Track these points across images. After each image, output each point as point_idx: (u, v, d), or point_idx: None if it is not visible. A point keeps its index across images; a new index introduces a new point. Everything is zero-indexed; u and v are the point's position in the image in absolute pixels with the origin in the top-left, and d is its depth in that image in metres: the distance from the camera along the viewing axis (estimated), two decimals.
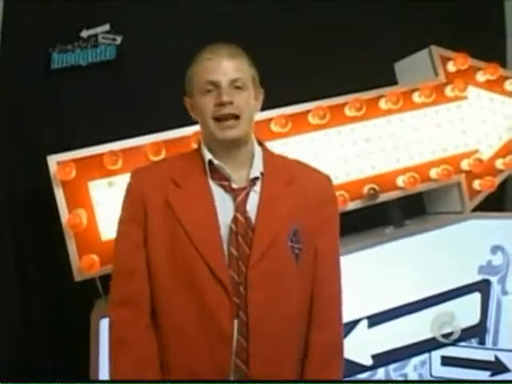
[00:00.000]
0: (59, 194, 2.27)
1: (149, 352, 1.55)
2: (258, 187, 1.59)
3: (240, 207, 1.55)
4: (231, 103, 1.52)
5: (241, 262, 1.52)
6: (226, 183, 1.58)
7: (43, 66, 2.68)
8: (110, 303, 1.61)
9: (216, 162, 1.58)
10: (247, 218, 1.55)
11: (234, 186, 1.58)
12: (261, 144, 1.68)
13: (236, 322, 1.51)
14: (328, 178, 1.71)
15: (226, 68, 1.54)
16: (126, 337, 1.54)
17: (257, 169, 1.60)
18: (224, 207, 1.56)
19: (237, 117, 1.54)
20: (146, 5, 2.77)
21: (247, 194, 1.57)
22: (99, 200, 2.30)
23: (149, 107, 2.75)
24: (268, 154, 1.67)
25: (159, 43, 2.77)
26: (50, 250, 2.52)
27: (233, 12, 2.82)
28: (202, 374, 1.51)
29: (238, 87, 1.55)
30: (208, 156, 1.59)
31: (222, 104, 1.52)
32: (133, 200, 1.61)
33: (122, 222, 1.62)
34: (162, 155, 2.32)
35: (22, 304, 2.67)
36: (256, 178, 1.59)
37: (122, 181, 2.31)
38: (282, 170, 1.65)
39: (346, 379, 2.35)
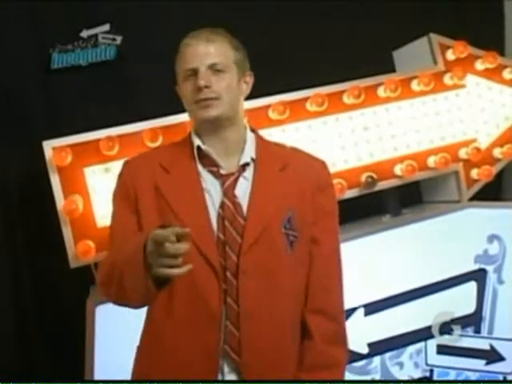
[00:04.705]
0: (55, 180, 2.25)
1: None
2: (248, 173, 1.59)
3: (228, 192, 1.55)
4: (208, 87, 1.53)
5: (227, 247, 1.52)
6: (215, 169, 1.58)
7: (43, 66, 2.66)
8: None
9: (203, 147, 1.59)
10: (235, 204, 1.54)
11: (223, 171, 1.57)
12: (253, 131, 1.68)
13: (224, 307, 1.51)
14: (323, 164, 1.70)
15: (204, 53, 1.55)
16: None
17: (247, 155, 1.60)
18: (215, 193, 1.56)
19: (216, 98, 1.54)
20: (146, 5, 2.75)
21: (236, 180, 1.57)
22: (95, 186, 2.29)
23: (149, 107, 2.72)
24: (261, 141, 1.67)
25: (159, 43, 2.73)
26: (45, 236, 2.51)
27: (233, 9, 2.78)
28: (190, 356, 1.50)
29: (218, 70, 1.55)
30: (196, 142, 1.60)
31: (199, 89, 1.53)
32: (123, 187, 1.62)
33: (115, 211, 1.63)
34: (159, 141, 2.30)
35: (17, 291, 2.66)
36: (246, 164, 1.59)
37: (119, 167, 2.29)
38: (275, 157, 1.64)
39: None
